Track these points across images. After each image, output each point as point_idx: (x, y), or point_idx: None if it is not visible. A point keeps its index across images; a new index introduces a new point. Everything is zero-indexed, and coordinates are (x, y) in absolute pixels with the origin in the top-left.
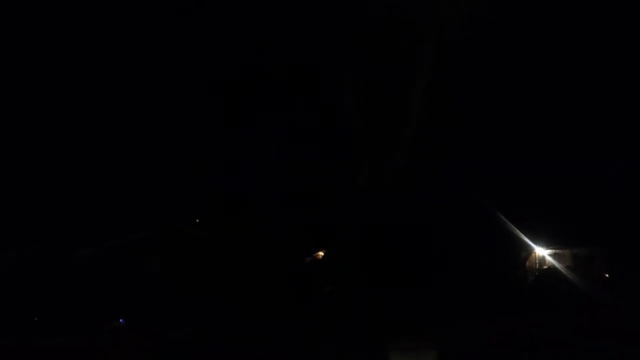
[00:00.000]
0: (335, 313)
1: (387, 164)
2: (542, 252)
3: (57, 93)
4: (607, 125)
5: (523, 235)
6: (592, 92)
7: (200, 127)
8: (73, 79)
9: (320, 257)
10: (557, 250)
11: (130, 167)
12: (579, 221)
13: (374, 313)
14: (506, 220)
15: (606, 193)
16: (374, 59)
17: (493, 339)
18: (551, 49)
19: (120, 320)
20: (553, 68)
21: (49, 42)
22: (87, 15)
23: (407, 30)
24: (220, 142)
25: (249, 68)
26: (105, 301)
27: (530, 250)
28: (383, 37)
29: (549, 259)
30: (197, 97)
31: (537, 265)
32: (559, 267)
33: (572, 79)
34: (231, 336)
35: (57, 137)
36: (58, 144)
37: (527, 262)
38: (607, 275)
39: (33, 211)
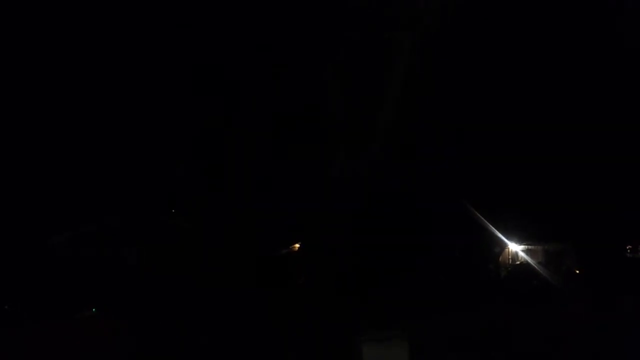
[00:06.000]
0: (309, 305)
1: (362, 154)
2: (515, 248)
3: (29, 78)
4: (592, 121)
5: (496, 231)
6: (573, 85)
7: (178, 117)
8: (49, 64)
9: (296, 249)
10: (529, 246)
11: (109, 154)
12: (551, 218)
13: (347, 305)
14: (480, 215)
15: (576, 190)
16: (351, 48)
17: (464, 330)
18: (532, 38)
19: (93, 309)
20: (534, 57)
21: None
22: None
23: (386, 19)
24: (198, 134)
25: (227, 59)
26: (78, 289)
27: (503, 246)
28: (361, 27)
29: (521, 254)
30: (175, 90)
31: (510, 260)
32: (531, 263)
33: (552, 68)
34: (204, 327)
35: (32, 122)
36: (34, 130)
37: (500, 258)
38: (577, 271)
39: (5, 196)
